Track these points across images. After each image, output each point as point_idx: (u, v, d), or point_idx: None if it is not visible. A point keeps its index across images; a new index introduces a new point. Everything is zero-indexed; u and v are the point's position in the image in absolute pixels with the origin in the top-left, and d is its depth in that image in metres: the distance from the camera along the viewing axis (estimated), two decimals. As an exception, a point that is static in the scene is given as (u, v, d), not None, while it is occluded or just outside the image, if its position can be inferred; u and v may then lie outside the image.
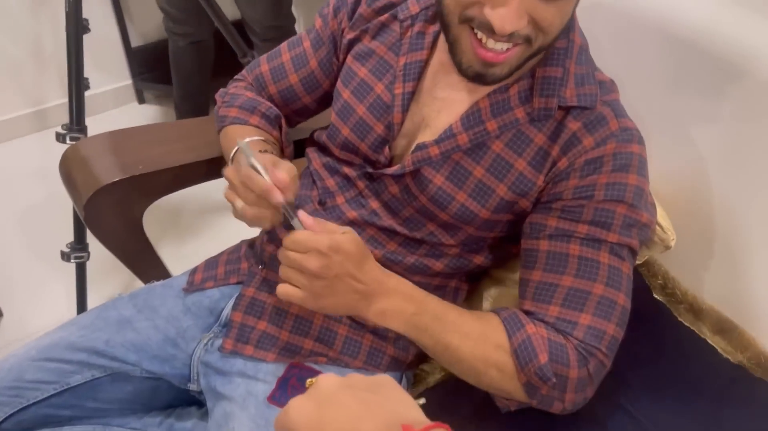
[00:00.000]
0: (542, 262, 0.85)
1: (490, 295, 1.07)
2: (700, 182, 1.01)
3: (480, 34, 0.77)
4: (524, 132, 0.87)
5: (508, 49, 0.77)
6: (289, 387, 1.00)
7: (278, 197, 0.78)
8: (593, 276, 0.82)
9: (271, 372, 1.00)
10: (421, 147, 0.91)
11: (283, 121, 1.10)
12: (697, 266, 1.04)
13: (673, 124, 1.03)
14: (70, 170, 1.21)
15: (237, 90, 1.13)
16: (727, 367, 1.00)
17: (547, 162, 0.87)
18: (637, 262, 1.00)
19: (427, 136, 0.93)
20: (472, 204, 0.90)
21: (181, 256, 1.34)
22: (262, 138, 1.00)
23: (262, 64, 1.13)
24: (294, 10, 2.19)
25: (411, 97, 0.92)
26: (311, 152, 1.10)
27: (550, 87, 0.86)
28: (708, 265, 1.04)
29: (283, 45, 1.11)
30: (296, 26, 2.21)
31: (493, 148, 0.88)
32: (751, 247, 0.97)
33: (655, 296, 1.08)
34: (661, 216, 0.97)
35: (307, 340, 1.01)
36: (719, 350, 1.02)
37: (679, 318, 1.06)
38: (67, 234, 1.70)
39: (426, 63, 0.92)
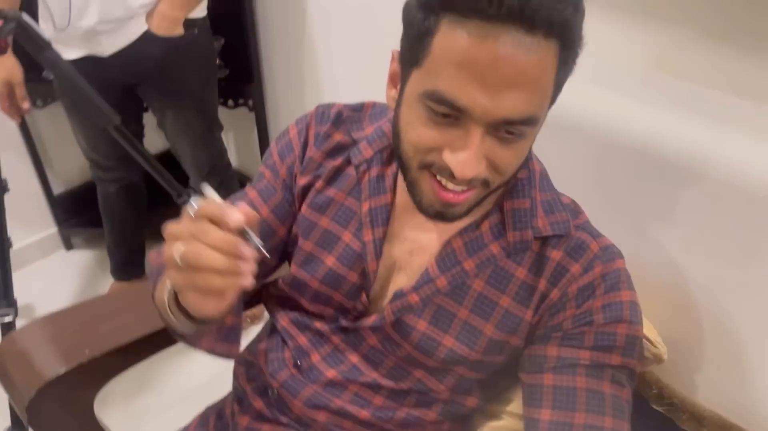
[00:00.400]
0: (550, 399, 0.81)
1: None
2: (676, 286, 1.00)
3: (439, 177, 0.75)
4: (503, 267, 0.85)
5: (466, 190, 0.75)
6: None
7: (239, 217, 0.63)
8: (602, 410, 0.79)
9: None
10: (399, 295, 0.88)
11: None
12: (690, 371, 1.02)
13: (639, 231, 1.03)
14: (5, 368, 1.08)
15: None
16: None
17: (535, 296, 0.84)
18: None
19: (402, 280, 0.90)
20: (460, 347, 0.87)
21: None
22: None
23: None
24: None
25: (382, 242, 0.89)
26: (274, 308, 1.03)
27: (521, 219, 0.84)
28: (701, 369, 1.01)
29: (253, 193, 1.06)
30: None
31: (474, 287, 0.86)
32: (744, 344, 0.96)
33: (653, 406, 1.04)
34: (648, 329, 0.94)
35: None
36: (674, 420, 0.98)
37: (683, 427, 1.02)
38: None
39: (391, 205, 0.90)
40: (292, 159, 0.94)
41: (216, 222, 0.63)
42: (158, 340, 1.13)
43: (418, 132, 0.72)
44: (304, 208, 0.94)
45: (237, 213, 0.63)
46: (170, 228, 0.66)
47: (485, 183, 0.75)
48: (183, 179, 1.93)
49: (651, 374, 1.05)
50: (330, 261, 0.92)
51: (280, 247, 1.03)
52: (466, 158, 0.70)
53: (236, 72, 2.22)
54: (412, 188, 0.79)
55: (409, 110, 0.73)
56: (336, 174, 0.92)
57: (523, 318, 0.84)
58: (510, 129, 0.69)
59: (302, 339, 0.98)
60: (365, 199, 0.89)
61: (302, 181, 0.93)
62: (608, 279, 0.81)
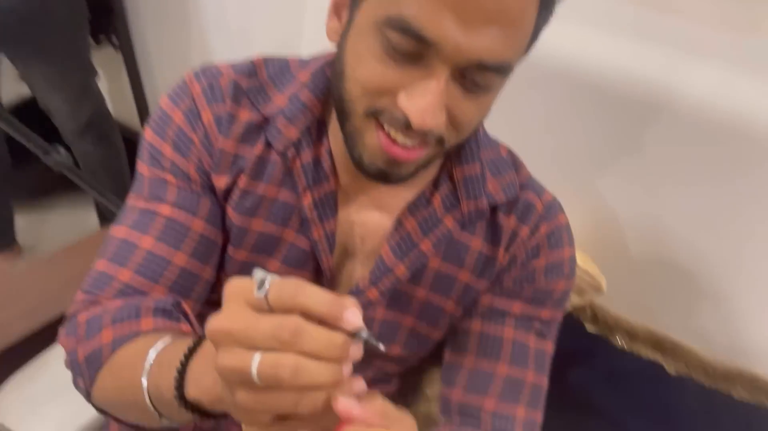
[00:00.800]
0: (475, 345, 0.79)
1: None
2: (610, 208, 0.99)
3: (388, 127, 0.63)
4: (459, 240, 0.78)
5: (418, 146, 0.64)
6: None
7: (356, 317, 0.45)
8: (525, 363, 0.78)
9: None
10: (357, 292, 0.78)
11: (185, 306, 0.73)
12: (622, 291, 1.03)
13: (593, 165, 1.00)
14: None
15: (90, 313, 0.71)
16: (677, 381, 0.99)
17: (494, 267, 0.79)
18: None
19: (356, 269, 0.80)
20: (422, 327, 0.81)
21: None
22: (168, 339, 0.63)
23: (112, 270, 0.73)
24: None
25: (334, 235, 0.77)
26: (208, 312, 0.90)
27: (474, 187, 0.76)
28: (635, 290, 1.02)
29: (122, 230, 0.74)
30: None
31: (431, 265, 0.78)
32: (676, 262, 0.97)
33: (589, 330, 1.05)
34: (586, 262, 0.93)
35: None
36: (665, 366, 1.01)
37: (616, 345, 1.04)
38: None
39: (336, 191, 0.77)
40: (197, 154, 0.74)
41: (316, 316, 0.44)
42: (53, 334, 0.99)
43: (370, 68, 0.60)
44: (229, 211, 0.76)
45: (353, 306, 0.44)
46: (225, 324, 0.44)
47: (440, 141, 0.64)
48: (49, 130, 1.69)
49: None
50: (274, 266, 0.79)
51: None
52: (428, 104, 0.58)
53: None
54: (352, 140, 0.66)
55: (359, 42, 0.60)
56: (259, 165, 0.75)
57: (480, 291, 0.80)
58: (478, 77, 0.58)
59: None
60: (304, 190, 0.75)
61: (220, 182, 0.75)
62: (552, 237, 0.79)
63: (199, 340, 0.55)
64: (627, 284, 1.03)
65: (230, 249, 0.77)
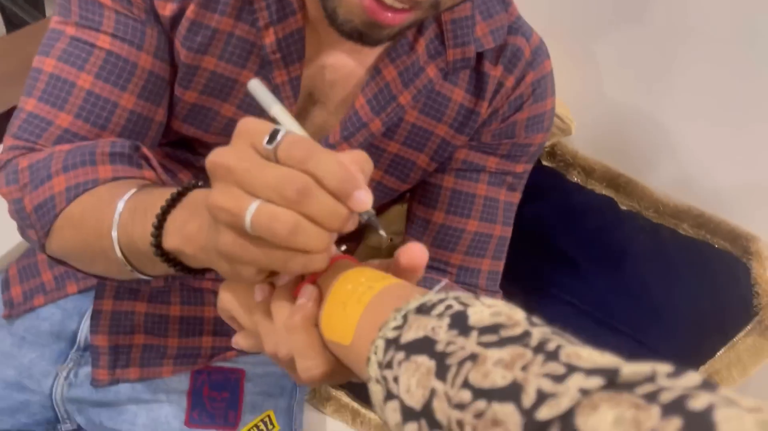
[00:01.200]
0: (446, 202, 0.76)
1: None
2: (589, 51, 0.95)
3: None
4: (439, 92, 0.72)
5: (408, 9, 0.56)
6: (205, 400, 0.80)
7: (366, 200, 0.41)
8: (494, 218, 0.77)
9: (173, 388, 0.80)
10: (325, 146, 0.69)
11: (146, 150, 0.64)
12: (583, 128, 1.01)
13: None
14: None
15: (31, 158, 0.62)
16: (628, 217, 1.01)
17: (475, 123, 0.74)
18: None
19: (322, 116, 0.72)
20: (390, 180, 0.76)
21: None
22: (134, 190, 0.56)
23: (47, 113, 0.63)
24: None
25: (300, 80, 0.68)
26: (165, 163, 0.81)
27: (463, 32, 0.69)
28: (594, 127, 1.01)
29: (50, 62, 0.64)
30: None
31: (407, 119, 0.72)
32: (638, 105, 0.96)
33: (545, 163, 1.04)
34: (559, 105, 0.89)
35: (204, 338, 0.82)
36: (617, 202, 1.02)
37: (572, 179, 1.04)
38: None
39: (303, 28, 0.67)
40: None
41: (326, 185, 0.40)
42: None
43: None
44: (177, 46, 0.67)
45: (365, 186, 0.41)
46: (230, 160, 0.40)
47: (435, 4, 0.57)
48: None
49: (543, 133, 1.03)
50: (228, 110, 0.71)
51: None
52: None
53: None
54: None
55: None
56: None
57: (457, 146, 0.75)
58: None
59: (186, 176, 0.79)
60: (267, 25, 0.65)
61: (165, 8, 0.65)
62: (538, 88, 0.74)
63: (184, 190, 0.50)
64: (591, 125, 1.02)
65: (178, 90, 0.67)
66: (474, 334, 0.33)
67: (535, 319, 0.35)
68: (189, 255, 0.47)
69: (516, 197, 0.78)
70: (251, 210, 0.38)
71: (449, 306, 0.36)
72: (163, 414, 0.80)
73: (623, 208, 1.02)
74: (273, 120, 0.45)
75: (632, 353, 0.93)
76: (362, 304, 0.40)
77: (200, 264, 0.48)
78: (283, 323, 0.43)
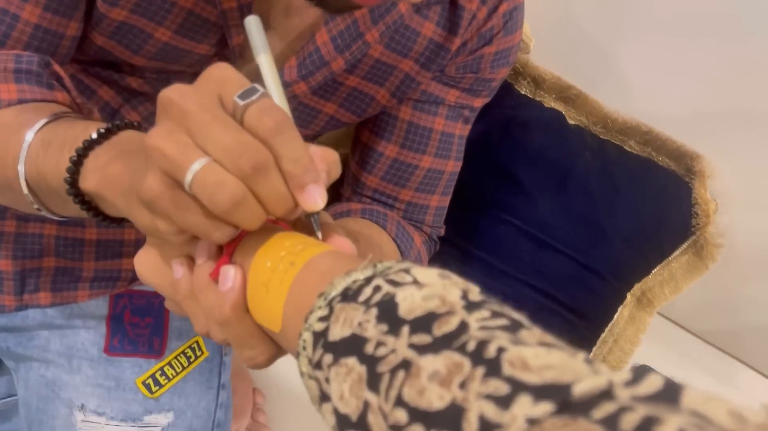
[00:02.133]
0: (401, 135, 0.72)
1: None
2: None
3: None
4: (408, 25, 0.66)
5: None
6: (126, 326, 0.76)
7: (320, 201, 0.38)
8: (448, 153, 0.73)
9: (90, 313, 0.75)
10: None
11: (57, 68, 0.57)
12: (534, 37, 0.94)
13: None
14: None
15: None
16: (576, 133, 0.97)
17: (443, 59, 0.68)
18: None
19: (276, 46, 0.64)
20: (344, 114, 0.71)
21: None
22: (46, 119, 0.49)
23: None
24: None
25: (251, 7, 0.60)
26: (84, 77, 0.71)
27: None
28: (547, 36, 0.94)
29: None
30: None
31: (371, 54, 0.66)
32: (588, 18, 0.89)
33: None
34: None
35: (124, 260, 0.76)
36: (566, 116, 0.98)
37: (521, 91, 0.98)
38: None
39: None
40: None
41: (283, 168, 0.37)
42: None
43: None
44: None
45: (323, 186, 0.38)
46: (188, 102, 0.36)
47: None
48: None
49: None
50: (164, 35, 0.62)
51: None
52: None
53: None
54: None
55: None
56: None
57: (422, 82, 0.70)
58: None
59: (107, 93, 0.69)
60: None
61: None
62: (509, 20, 0.69)
63: (114, 127, 0.45)
64: (544, 37, 0.95)
65: (102, 6, 0.58)
66: (405, 331, 0.28)
67: (472, 293, 0.30)
68: (107, 200, 0.42)
69: (468, 129, 0.75)
70: (196, 166, 0.34)
71: (377, 288, 0.31)
72: (80, 341, 0.75)
73: (571, 122, 0.98)
74: (255, 80, 0.39)
75: (572, 275, 0.91)
76: (285, 286, 0.36)
77: (117, 213, 0.44)
78: (211, 315, 0.40)
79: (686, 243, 0.98)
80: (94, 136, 0.44)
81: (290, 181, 0.36)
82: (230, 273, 0.39)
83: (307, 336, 0.32)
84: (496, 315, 0.28)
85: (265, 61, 0.43)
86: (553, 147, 0.95)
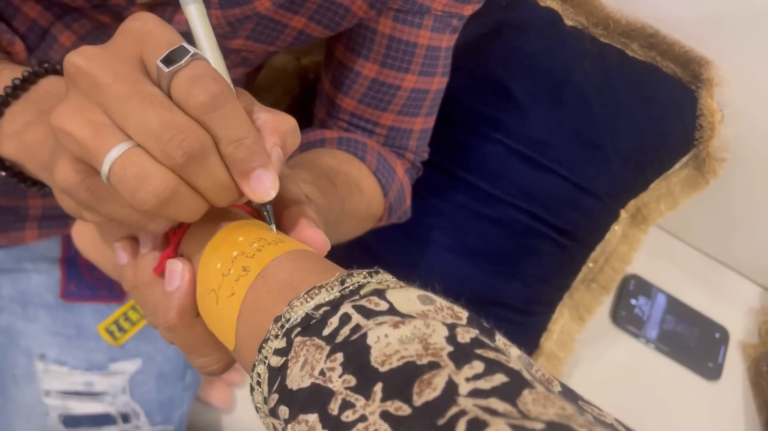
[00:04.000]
0: (381, 52, 0.63)
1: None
2: None
3: None
4: None
5: None
6: (83, 269, 0.70)
7: (271, 189, 0.32)
8: (434, 70, 0.66)
9: (41, 255, 0.69)
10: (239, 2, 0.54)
11: None
12: None
13: None
14: None
15: None
16: (573, 37, 0.87)
17: None
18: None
19: None
20: (315, 28, 0.61)
21: None
22: None
23: None
24: None
25: None
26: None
27: None
28: None
29: None
30: None
31: None
32: None
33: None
34: None
35: None
36: (563, 17, 0.87)
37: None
38: None
39: None
40: None
41: (223, 151, 0.31)
42: None
43: None
44: None
45: (273, 170, 0.32)
46: (100, 70, 0.29)
47: None
48: None
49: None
50: None
51: None
52: None
53: None
54: None
55: None
56: None
57: None
58: None
59: (34, 9, 0.58)
60: None
61: None
62: None
63: (31, 75, 0.38)
64: None
65: None
66: (377, 391, 0.22)
67: (460, 330, 0.24)
68: (29, 170, 0.37)
69: (455, 39, 0.66)
70: (113, 154, 0.28)
71: (345, 319, 0.25)
72: (33, 286, 0.70)
73: (569, 24, 0.88)
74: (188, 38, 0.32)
75: (565, 195, 0.84)
76: (237, 299, 0.31)
77: (45, 183, 0.38)
78: (157, 316, 0.35)
79: (687, 157, 0.92)
80: (9, 87, 0.36)
81: (232, 168, 0.31)
82: (176, 271, 0.34)
83: (262, 370, 0.27)
84: (491, 367, 0.22)
85: (194, 12, 0.34)
86: (549, 53, 0.85)
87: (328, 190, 0.56)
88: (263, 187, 0.31)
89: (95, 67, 0.29)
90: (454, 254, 0.84)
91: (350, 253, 0.68)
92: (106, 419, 0.69)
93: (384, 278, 0.29)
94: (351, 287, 0.27)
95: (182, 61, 0.29)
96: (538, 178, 0.84)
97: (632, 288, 1.06)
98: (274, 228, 0.35)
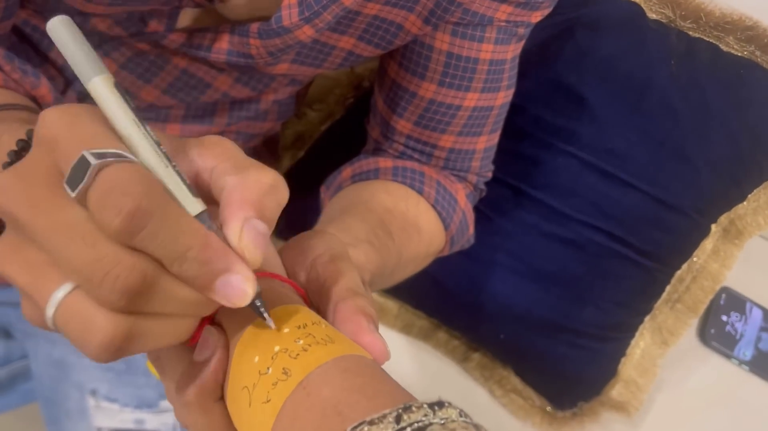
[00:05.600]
0: (439, 71, 0.58)
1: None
2: None
3: None
4: None
5: None
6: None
7: (243, 288, 0.28)
8: (498, 85, 0.60)
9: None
10: (278, 31, 0.50)
11: None
12: None
13: None
14: None
15: None
16: (658, 32, 0.78)
17: None
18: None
19: None
20: (366, 49, 0.56)
21: None
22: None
23: None
24: None
25: None
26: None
27: None
28: None
29: None
30: None
31: None
32: None
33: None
34: None
35: None
36: (648, 12, 0.78)
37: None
38: None
39: None
40: None
41: (174, 271, 0.26)
42: None
43: None
44: None
45: (242, 264, 0.27)
46: (15, 206, 0.26)
47: None
48: None
49: None
50: None
51: None
52: None
53: None
54: None
55: None
56: None
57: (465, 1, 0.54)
58: None
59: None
60: None
61: None
62: None
63: (24, 148, 0.33)
64: None
65: None
66: None
67: None
68: None
69: (521, 47, 0.60)
70: (55, 300, 0.25)
71: None
72: None
73: (652, 17, 0.78)
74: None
75: (646, 213, 0.75)
76: (272, 409, 0.27)
77: None
78: (174, 392, 0.32)
79: (791, 164, 0.81)
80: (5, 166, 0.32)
81: (190, 285, 0.27)
82: (210, 341, 0.30)
83: None
84: None
85: (100, 86, 0.28)
86: (628, 54, 0.76)
87: (384, 245, 0.52)
88: (235, 293, 0.27)
89: (8, 201, 0.25)
90: (521, 278, 0.77)
91: (409, 279, 0.63)
92: (157, 457, 0.68)
93: (449, 415, 0.24)
94: (408, 429, 0.23)
95: (84, 179, 0.24)
96: (615, 195, 0.75)
97: (723, 303, 0.96)
98: (272, 323, 0.29)
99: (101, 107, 0.28)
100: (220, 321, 0.32)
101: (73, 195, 0.24)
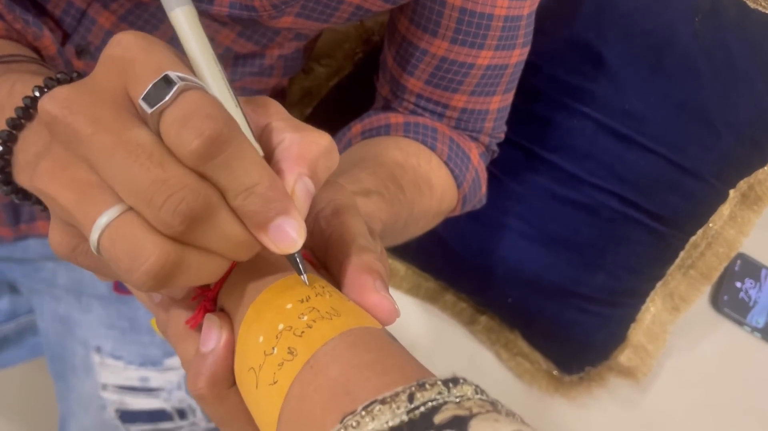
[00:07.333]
0: (452, 27, 0.55)
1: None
2: None
3: None
4: None
5: None
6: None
7: (295, 236, 0.27)
8: (512, 42, 0.57)
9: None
10: None
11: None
12: None
13: None
14: None
15: None
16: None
17: None
18: None
19: None
20: (375, 3, 0.53)
21: None
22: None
23: None
24: None
25: None
26: None
27: None
28: None
29: None
30: None
31: None
32: None
33: None
34: None
35: None
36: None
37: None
38: None
39: None
40: None
41: (233, 204, 0.26)
42: None
43: None
44: None
45: (296, 214, 0.27)
46: (78, 118, 0.24)
47: None
48: None
49: None
50: None
51: None
52: None
53: None
54: None
55: None
56: None
57: None
58: None
59: None
60: None
61: None
62: None
63: (41, 91, 0.32)
64: None
65: None
66: None
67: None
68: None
69: (537, 1, 0.57)
70: (101, 223, 0.24)
71: None
72: (87, 275, 0.69)
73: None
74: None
75: (663, 177, 0.73)
76: (279, 391, 0.26)
77: None
78: (187, 381, 0.31)
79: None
80: (21, 108, 0.32)
81: (246, 221, 0.26)
82: (213, 330, 0.30)
83: None
84: None
85: (182, 18, 0.28)
86: (650, 10, 0.73)
87: (395, 197, 0.51)
88: (286, 239, 0.26)
89: (70, 115, 0.24)
90: (532, 242, 0.76)
91: (416, 241, 0.62)
92: (162, 415, 0.68)
93: (465, 392, 0.23)
94: (423, 409, 0.22)
95: (166, 98, 0.24)
96: (631, 158, 0.73)
97: (738, 269, 0.94)
98: (306, 278, 0.29)
99: (181, 38, 0.27)
100: (221, 305, 0.31)
101: (149, 111, 0.24)
